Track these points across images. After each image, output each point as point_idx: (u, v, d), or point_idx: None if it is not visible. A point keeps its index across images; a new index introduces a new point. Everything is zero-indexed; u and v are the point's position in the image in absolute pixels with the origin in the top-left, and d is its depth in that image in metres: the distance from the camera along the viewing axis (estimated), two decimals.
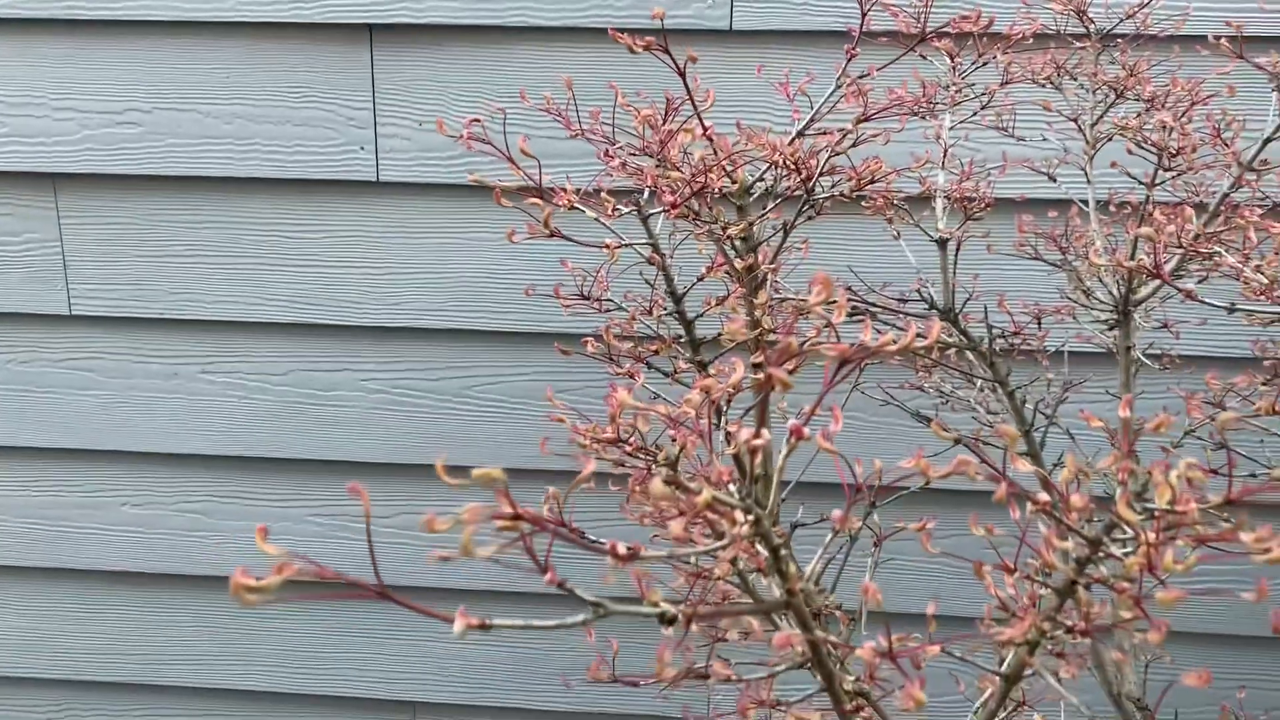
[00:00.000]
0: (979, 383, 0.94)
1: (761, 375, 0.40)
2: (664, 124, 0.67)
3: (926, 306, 0.82)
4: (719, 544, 0.38)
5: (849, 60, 0.72)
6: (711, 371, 0.62)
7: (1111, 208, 0.94)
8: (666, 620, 0.37)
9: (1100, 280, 0.91)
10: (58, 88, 1.34)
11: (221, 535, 1.51)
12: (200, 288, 1.40)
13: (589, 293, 0.74)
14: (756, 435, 0.36)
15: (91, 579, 1.55)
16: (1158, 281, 0.91)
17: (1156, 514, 0.35)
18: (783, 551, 0.39)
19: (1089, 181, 0.97)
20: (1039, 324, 0.92)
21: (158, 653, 1.58)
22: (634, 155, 0.70)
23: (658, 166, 0.66)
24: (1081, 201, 1.01)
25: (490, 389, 1.43)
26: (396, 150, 1.34)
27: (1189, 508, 0.35)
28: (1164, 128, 0.76)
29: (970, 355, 0.87)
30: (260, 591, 0.35)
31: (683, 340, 0.70)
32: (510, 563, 0.39)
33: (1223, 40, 0.85)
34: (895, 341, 0.35)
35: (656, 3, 1.26)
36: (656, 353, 0.69)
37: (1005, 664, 0.46)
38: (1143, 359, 0.92)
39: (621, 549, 0.36)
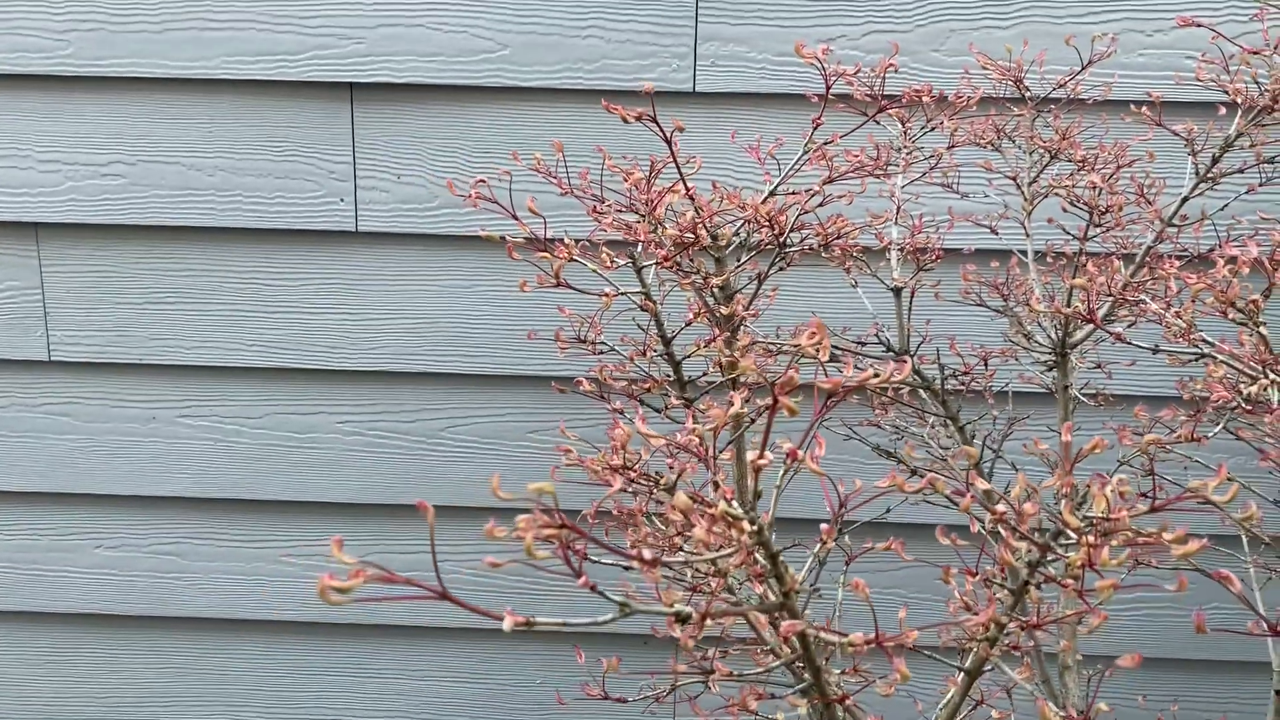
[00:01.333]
0: (930, 419, 1.02)
1: (745, 409, 0.46)
2: (649, 184, 0.74)
3: (884, 349, 0.90)
4: (729, 551, 0.44)
5: (815, 128, 0.80)
6: (701, 407, 0.68)
7: (1049, 258, 1.03)
8: (682, 619, 0.43)
9: (1040, 325, 1.00)
10: (43, 140, 1.38)
11: (195, 577, 1.53)
12: (180, 333, 1.44)
13: (585, 336, 0.80)
14: (761, 456, 0.43)
15: (64, 622, 1.56)
16: (1091, 326, 1.00)
17: (1095, 521, 0.42)
18: (780, 557, 0.46)
19: (1027, 235, 1.06)
20: (985, 365, 1.00)
21: (128, 694, 1.59)
22: (620, 212, 0.77)
23: (644, 222, 0.73)
24: (1021, 252, 1.10)
25: (462, 430, 1.48)
26: (375, 202, 1.40)
27: (1121, 515, 0.42)
28: (1094, 188, 0.85)
29: (924, 394, 0.95)
30: (344, 591, 0.40)
31: (671, 380, 0.76)
32: (549, 566, 0.44)
33: (1144, 109, 0.95)
34: (876, 376, 0.42)
35: (621, 65, 1.34)
36: (649, 390, 0.76)
37: (968, 661, 0.52)
38: (1080, 397, 1.01)
39: (648, 555, 0.42)
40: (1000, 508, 0.44)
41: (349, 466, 1.49)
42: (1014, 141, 1.06)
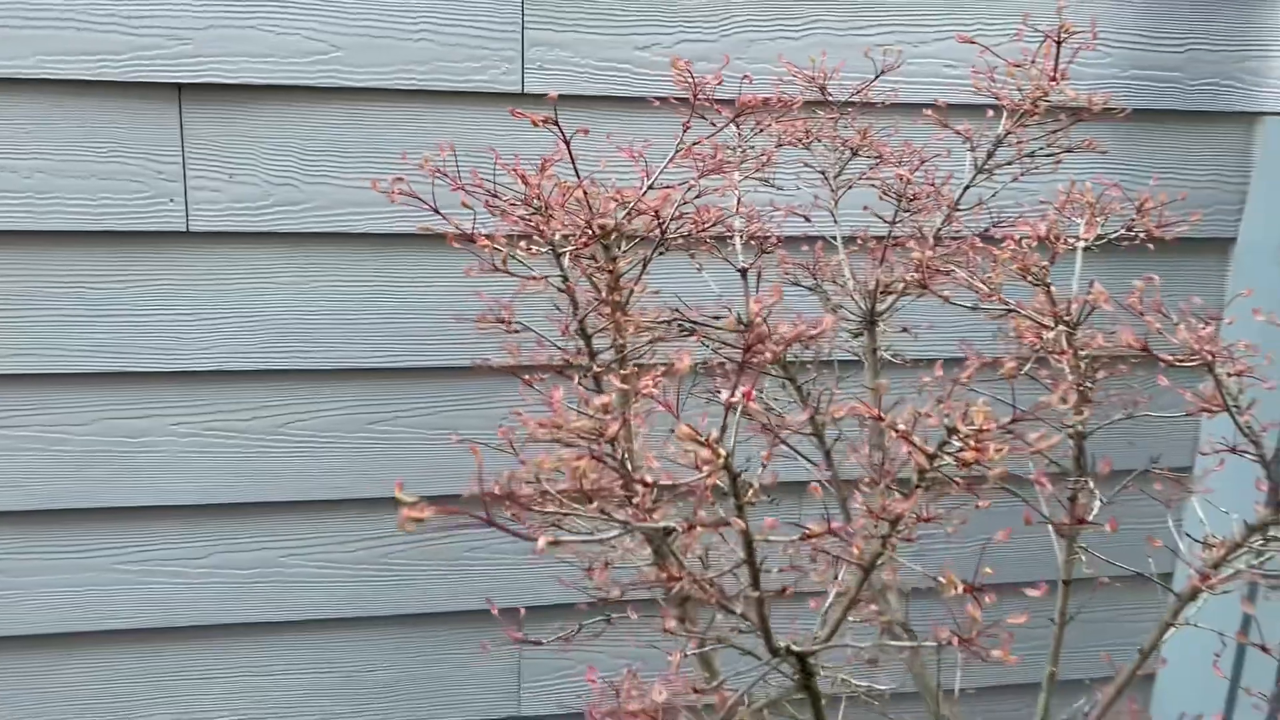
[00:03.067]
0: (767, 381, 1.17)
1: (683, 364, 0.58)
2: (538, 181, 0.83)
3: (737, 322, 1.03)
4: (706, 473, 0.55)
5: (685, 130, 0.92)
6: (625, 372, 0.78)
7: (857, 243, 1.20)
8: (667, 531, 0.54)
9: (853, 298, 1.17)
10: None
11: (20, 592, 1.48)
12: None
13: (500, 317, 0.88)
14: (733, 396, 0.54)
15: None
16: (893, 296, 1.18)
17: (979, 430, 0.56)
18: (740, 478, 0.57)
19: (835, 221, 1.23)
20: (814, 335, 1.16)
21: None
22: (512, 205, 0.86)
23: (537, 213, 0.83)
24: (831, 238, 1.27)
25: (302, 426, 1.51)
26: (206, 202, 1.40)
27: (991, 425, 0.57)
28: (902, 179, 1.01)
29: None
30: (419, 520, 0.48)
31: (585, 352, 0.86)
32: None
33: (930, 111, 1.13)
34: (815, 327, 0.55)
35: (453, 67, 1.42)
36: (568, 361, 0.85)
37: (865, 557, 0.65)
38: (887, 358, 1.18)
39: (663, 480, 0.52)
40: (902, 428, 0.58)
41: (186, 468, 1.48)
42: (820, 141, 1.22)
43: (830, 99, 1.23)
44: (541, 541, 0.52)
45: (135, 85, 1.35)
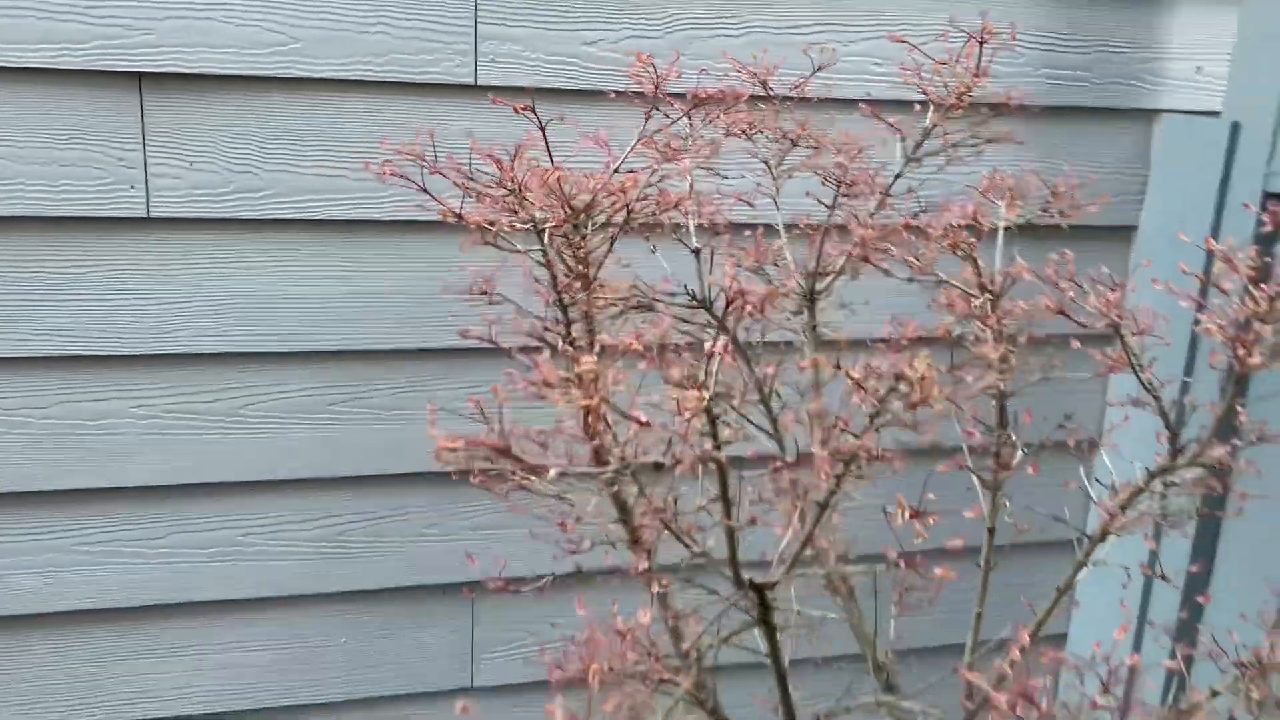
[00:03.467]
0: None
1: (661, 327, 0.65)
2: (512, 165, 0.90)
3: (690, 298, 1.11)
4: (691, 412, 0.62)
5: (647, 119, 0.99)
6: (604, 339, 0.86)
7: (798, 228, 1.29)
8: (658, 466, 0.62)
9: (795, 279, 1.25)
10: None
11: None
12: None
13: (482, 289, 0.95)
14: (714, 347, 0.62)
15: None
16: (830, 276, 1.27)
17: (921, 375, 0.64)
18: (718, 420, 0.65)
19: (778, 208, 1.31)
20: (762, 310, 1.24)
21: None
22: (488, 187, 0.92)
23: (512, 194, 0.90)
24: (773, 224, 1.36)
25: (262, 407, 1.55)
26: (167, 188, 1.44)
27: (932, 374, 0.65)
28: (841, 168, 1.11)
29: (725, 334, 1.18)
30: (454, 450, 0.55)
31: (562, 321, 0.93)
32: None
33: (864, 105, 1.22)
34: (779, 290, 0.63)
35: (409, 60, 1.47)
36: (547, 329, 0.92)
37: (823, 495, 0.74)
38: (826, 333, 1.28)
39: (643, 418, 0.60)
40: (856, 374, 0.66)
41: (145, 450, 1.51)
42: (763, 133, 1.31)
43: (772, 93, 1.32)
44: (552, 472, 0.59)
45: (96, 74, 1.38)
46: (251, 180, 1.46)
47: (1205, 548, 1.37)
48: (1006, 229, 1.03)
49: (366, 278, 1.54)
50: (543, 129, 0.90)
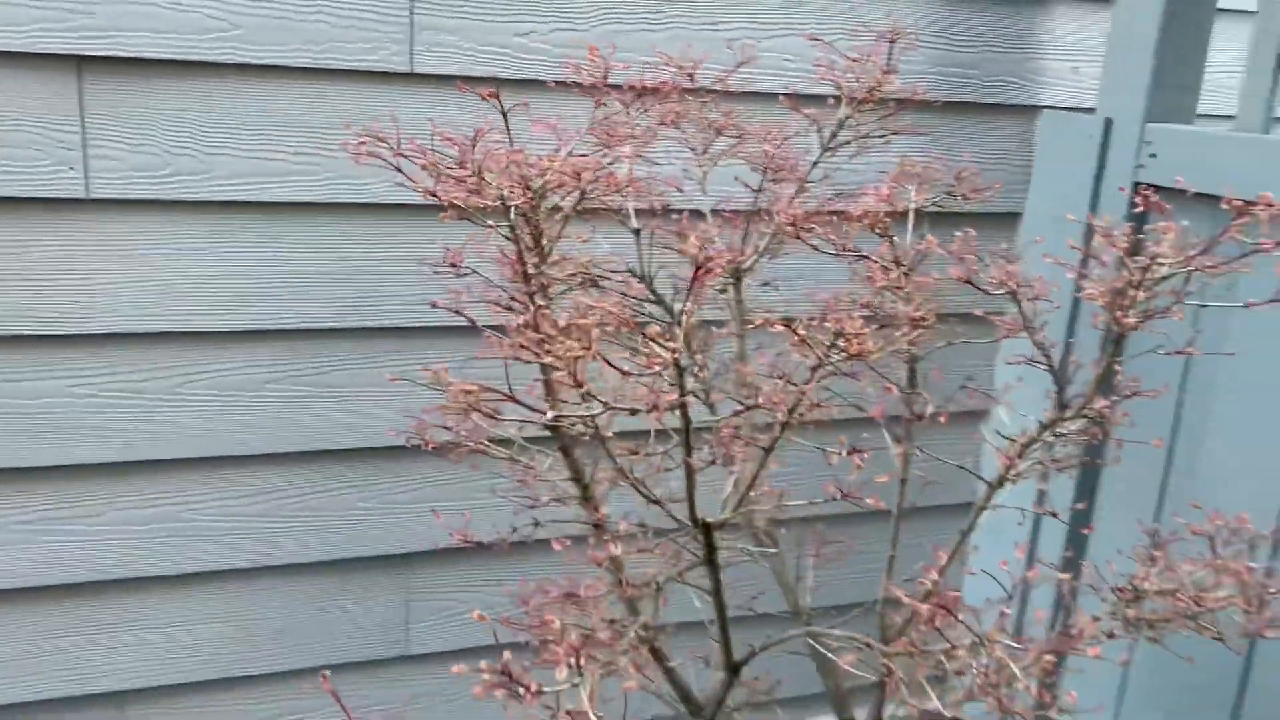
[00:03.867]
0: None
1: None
2: (472, 152, 0.98)
3: (631, 274, 1.20)
4: (663, 364, 0.72)
5: (597, 107, 1.08)
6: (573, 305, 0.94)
7: (723, 214, 1.40)
8: (633, 412, 0.71)
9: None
10: None
11: None
12: None
13: (453, 262, 1.02)
14: (684, 310, 0.71)
15: None
16: (755, 255, 1.38)
17: (858, 331, 0.75)
18: (684, 371, 0.74)
19: (705, 193, 1.42)
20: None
21: None
22: (450, 169, 1.00)
23: (474, 175, 0.97)
24: (696, 210, 1.46)
25: (200, 385, 1.58)
26: (107, 170, 1.46)
27: (866, 330, 0.76)
28: (768, 155, 1.21)
29: (659, 307, 1.27)
30: (469, 393, 0.63)
31: (524, 293, 1.01)
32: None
33: (784, 99, 1.33)
34: (751, 255, 0.72)
35: (348, 47, 1.53)
36: (514, 299, 1.00)
37: (771, 443, 0.84)
38: (749, 309, 1.39)
39: (625, 369, 0.69)
40: (800, 332, 0.76)
41: (85, 429, 1.54)
42: (691, 124, 1.41)
43: (698, 85, 1.42)
44: (550, 414, 0.67)
45: (36, 56, 1.40)
46: (191, 163, 1.50)
47: (1086, 493, 1.53)
48: (916, 211, 1.15)
49: (302, 258, 1.58)
50: (504, 113, 0.98)
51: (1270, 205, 0.93)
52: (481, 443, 0.93)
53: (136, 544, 1.60)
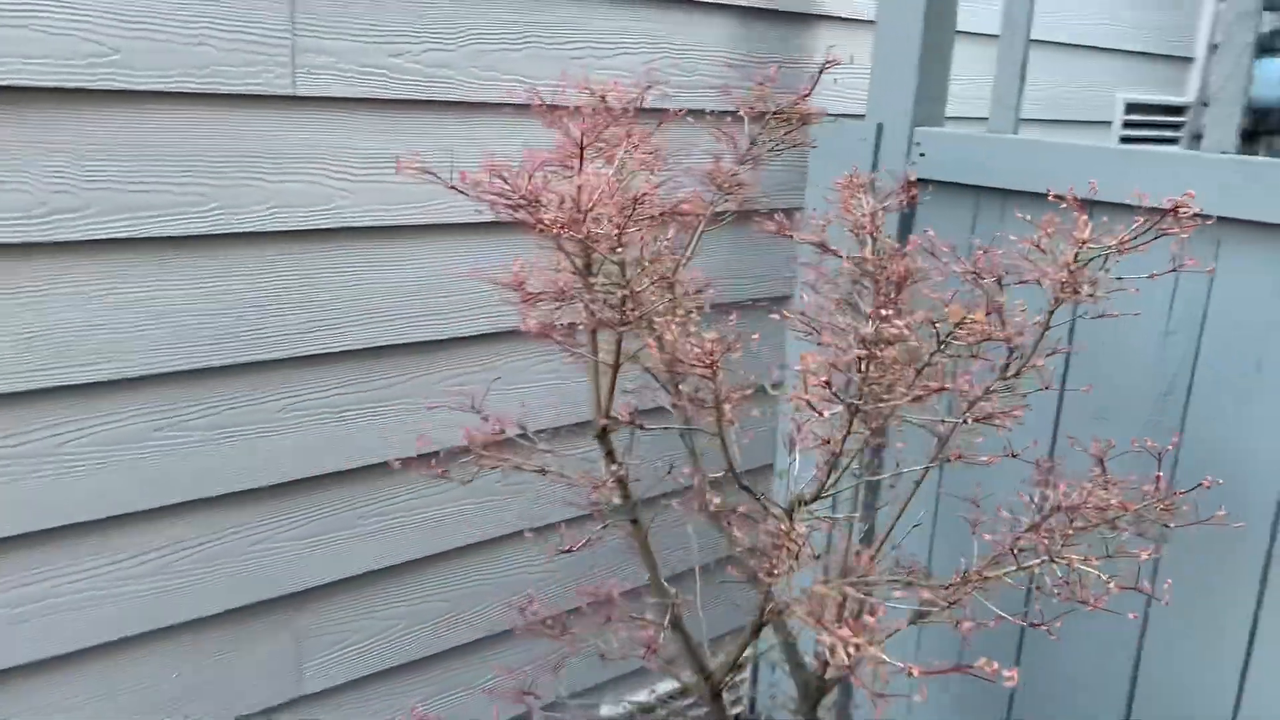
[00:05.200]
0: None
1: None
2: (529, 179, 1.04)
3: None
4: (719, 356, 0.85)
5: (581, 129, 1.17)
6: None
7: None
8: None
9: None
10: None
11: None
12: None
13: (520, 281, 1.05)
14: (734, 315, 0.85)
15: None
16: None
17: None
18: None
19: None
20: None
21: None
22: (500, 197, 1.05)
23: (527, 206, 1.04)
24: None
25: (82, 443, 1.44)
26: None
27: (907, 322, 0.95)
28: (716, 160, 1.36)
29: None
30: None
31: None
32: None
33: (709, 114, 1.48)
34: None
35: (231, 71, 1.46)
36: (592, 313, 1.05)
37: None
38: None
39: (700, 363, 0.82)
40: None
41: None
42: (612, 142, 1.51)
43: (607, 104, 1.52)
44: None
45: None
46: (68, 200, 1.36)
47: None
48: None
49: (190, 295, 1.49)
50: (581, 150, 1.05)
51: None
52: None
53: (38, 627, 1.43)
